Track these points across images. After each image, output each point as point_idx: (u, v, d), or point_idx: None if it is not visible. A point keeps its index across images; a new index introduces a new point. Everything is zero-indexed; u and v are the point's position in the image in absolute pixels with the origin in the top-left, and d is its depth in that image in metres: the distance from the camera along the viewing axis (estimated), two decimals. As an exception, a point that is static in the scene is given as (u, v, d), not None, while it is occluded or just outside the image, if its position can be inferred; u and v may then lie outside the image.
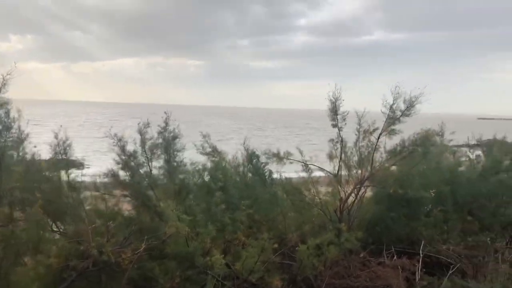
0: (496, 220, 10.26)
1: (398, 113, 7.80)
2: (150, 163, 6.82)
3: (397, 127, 7.89)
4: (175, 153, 6.79)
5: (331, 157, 7.88)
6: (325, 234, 7.17)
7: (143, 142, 7.29)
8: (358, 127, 8.12)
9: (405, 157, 7.77)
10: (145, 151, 6.96)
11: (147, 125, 7.47)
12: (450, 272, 8.10)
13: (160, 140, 6.92)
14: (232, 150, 8.88)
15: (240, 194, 7.51)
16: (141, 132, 7.22)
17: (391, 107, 7.82)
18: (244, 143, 8.50)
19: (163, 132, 6.81)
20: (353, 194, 8.07)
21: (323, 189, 8.22)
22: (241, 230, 6.90)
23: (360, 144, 8.13)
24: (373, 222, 7.80)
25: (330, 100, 7.72)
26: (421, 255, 7.99)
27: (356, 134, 8.11)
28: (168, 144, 6.72)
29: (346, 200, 7.78)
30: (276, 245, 6.68)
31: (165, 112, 6.92)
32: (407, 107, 7.67)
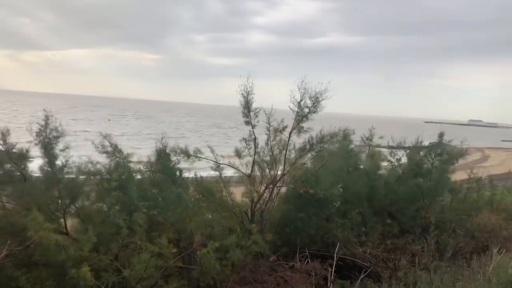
0: (416, 223, 10.33)
1: (306, 110, 7.55)
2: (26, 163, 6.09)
3: (305, 124, 7.65)
4: (56, 152, 6.08)
5: (239, 155, 7.50)
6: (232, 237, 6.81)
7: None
8: (268, 125, 7.81)
9: (315, 156, 7.53)
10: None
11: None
12: (362, 276, 7.97)
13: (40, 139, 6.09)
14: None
15: (143, 195, 6.99)
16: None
17: (299, 104, 7.56)
18: (162, 139, 7.99)
19: (43, 131, 6.04)
20: (266, 195, 7.76)
21: (237, 189, 7.84)
22: (139, 233, 6.40)
23: (271, 143, 7.82)
24: (283, 223, 7.49)
25: (242, 94, 7.35)
26: (335, 258, 7.79)
27: (266, 134, 7.80)
28: (47, 143, 6.00)
29: (258, 200, 7.44)
30: (175, 250, 6.24)
31: (44, 109, 6.18)
32: (313, 103, 7.44)
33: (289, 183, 7.60)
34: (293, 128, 7.75)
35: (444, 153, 10.64)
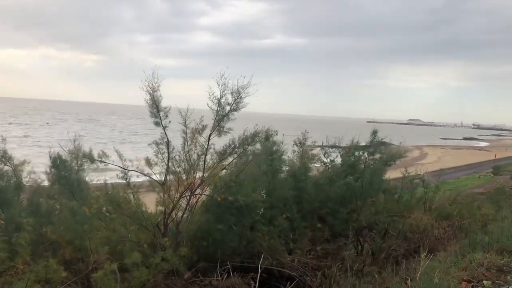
0: (349, 226, 9.96)
1: (227, 107, 6.88)
2: None
3: (227, 125, 6.97)
4: None
5: (148, 162, 6.68)
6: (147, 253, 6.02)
7: None
8: (184, 127, 7.07)
9: (237, 160, 6.87)
10: None
11: None
12: (289, 287, 7.42)
13: None
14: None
15: (34, 209, 6.01)
16: None
17: (219, 101, 6.87)
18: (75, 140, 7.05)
19: None
20: (182, 204, 6.99)
21: (150, 199, 7.02)
22: (23, 255, 5.44)
23: (189, 146, 7.07)
24: (200, 236, 6.76)
25: (147, 91, 6.54)
26: (259, 270, 7.16)
27: (183, 136, 7.04)
28: None
29: (171, 211, 6.65)
30: (65, 274, 5.35)
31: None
32: (235, 100, 6.78)
33: (207, 191, 6.87)
34: (213, 129, 7.04)
35: (377, 153, 10.34)
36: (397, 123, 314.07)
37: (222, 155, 6.80)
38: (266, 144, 8.02)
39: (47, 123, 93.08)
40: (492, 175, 41.82)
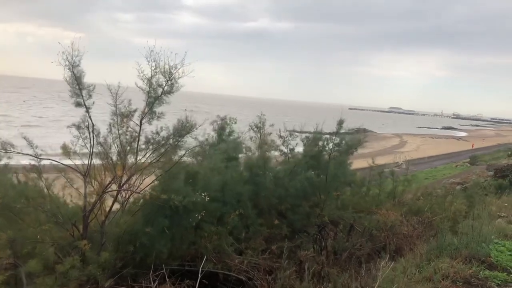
0: (310, 223, 9.14)
1: (159, 89, 5.88)
2: None
3: (159, 109, 5.99)
4: None
5: (65, 150, 5.65)
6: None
7: None
8: (115, 108, 6.04)
9: (171, 151, 5.89)
10: None
11: None
12: (233, 292, 6.56)
13: None
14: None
15: None
16: None
17: (149, 81, 5.86)
18: None
19: None
20: (107, 201, 6.00)
21: (70, 193, 6.00)
22: None
23: (119, 132, 6.06)
24: (126, 240, 5.78)
25: (67, 66, 5.47)
26: (199, 275, 6.24)
27: (113, 119, 6.02)
28: None
29: (91, 209, 5.64)
30: None
31: None
32: (167, 80, 5.79)
33: (134, 187, 5.89)
34: (144, 114, 6.03)
35: (342, 143, 9.46)
36: (378, 111, 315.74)
37: (151, 144, 5.80)
38: (221, 134, 7.05)
39: (24, 101, 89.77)
40: (469, 164, 41.79)
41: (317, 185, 8.82)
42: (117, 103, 6.07)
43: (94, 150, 5.92)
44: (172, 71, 5.77)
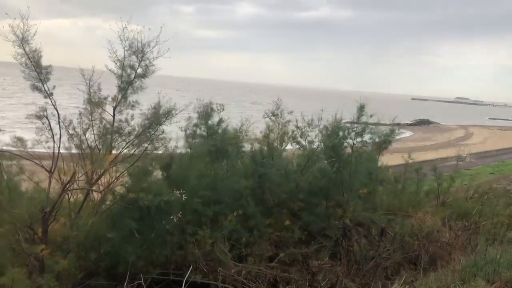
0: (330, 225, 7.97)
1: (132, 72, 5.05)
2: None
3: (134, 97, 5.16)
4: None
5: (20, 140, 4.97)
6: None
7: None
8: (89, 96, 5.29)
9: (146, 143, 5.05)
10: None
11: None
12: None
13: None
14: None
15: None
16: None
17: (122, 64, 5.03)
18: None
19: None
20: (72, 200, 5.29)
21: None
22: None
23: (91, 122, 5.31)
24: (89, 245, 5.02)
25: (17, 42, 4.75)
26: (183, 286, 5.40)
27: (81, 109, 5.29)
28: None
29: (51, 210, 4.93)
30: None
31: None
32: (140, 61, 4.93)
33: (97, 185, 5.11)
34: (117, 101, 5.24)
35: (367, 133, 8.13)
36: (443, 101, 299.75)
37: (121, 135, 4.99)
38: (208, 124, 6.14)
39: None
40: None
41: (337, 181, 7.63)
42: (91, 89, 5.32)
43: (59, 142, 5.19)
44: (144, 49, 4.90)
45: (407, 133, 60.00)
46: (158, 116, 4.99)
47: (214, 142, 6.05)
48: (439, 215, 8.52)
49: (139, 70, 5.06)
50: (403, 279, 5.12)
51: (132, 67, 5.05)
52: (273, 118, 8.16)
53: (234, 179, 6.39)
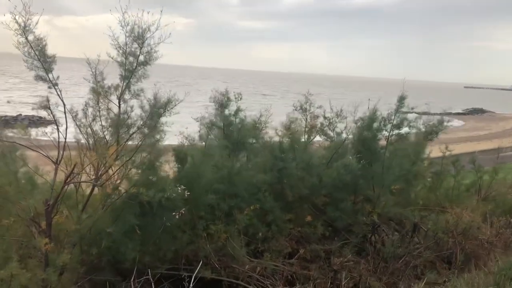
0: (357, 221, 7.49)
1: (133, 60, 4.85)
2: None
3: (137, 86, 4.97)
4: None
5: (22, 128, 4.89)
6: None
7: None
8: (95, 86, 5.15)
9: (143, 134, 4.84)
10: None
11: None
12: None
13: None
14: None
15: None
16: None
17: (124, 51, 4.83)
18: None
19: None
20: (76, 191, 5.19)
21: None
22: None
23: (100, 113, 5.17)
24: (90, 240, 4.89)
25: (20, 34, 4.64)
26: (191, 282, 5.18)
27: (87, 100, 5.16)
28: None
29: (55, 202, 4.85)
30: None
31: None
32: (141, 47, 4.71)
33: (99, 179, 4.96)
34: (122, 91, 5.07)
35: (404, 125, 7.63)
36: (499, 89, 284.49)
37: (121, 127, 4.81)
38: (221, 114, 5.87)
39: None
40: None
41: (368, 176, 7.16)
42: (98, 77, 5.17)
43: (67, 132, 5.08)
44: (144, 34, 4.68)
45: (458, 123, 57.31)
46: (158, 108, 4.76)
47: (230, 133, 5.78)
48: (479, 210, 7.85)
49: (141, 58, 4.83)
50: (425, 280, 4.64)
51: (132, 54, 4.84)
52: (301, 110, 7.77)
53: (250, 173, 6.08)
